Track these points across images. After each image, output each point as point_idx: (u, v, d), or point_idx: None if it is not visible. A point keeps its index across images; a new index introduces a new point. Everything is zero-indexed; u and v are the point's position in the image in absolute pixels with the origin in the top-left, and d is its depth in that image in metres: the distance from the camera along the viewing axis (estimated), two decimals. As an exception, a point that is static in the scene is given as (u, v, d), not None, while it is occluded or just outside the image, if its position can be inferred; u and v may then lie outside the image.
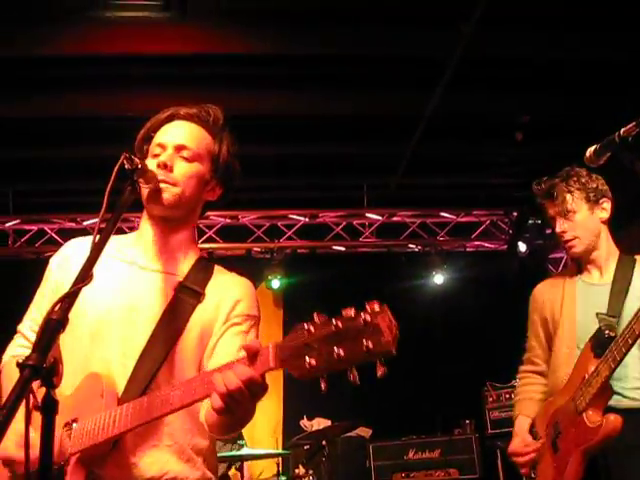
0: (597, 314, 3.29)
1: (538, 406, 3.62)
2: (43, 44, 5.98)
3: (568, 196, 3.46)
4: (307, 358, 1.65)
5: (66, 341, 2.31)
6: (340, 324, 1.63)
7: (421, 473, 7.28)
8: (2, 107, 6.76)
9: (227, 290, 2.36)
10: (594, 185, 3.48)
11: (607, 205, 3.50)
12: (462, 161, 8.40)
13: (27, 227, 8.67)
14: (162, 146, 2.37)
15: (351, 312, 1.64)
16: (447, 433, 7.41)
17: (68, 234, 8.56)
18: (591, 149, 2.58)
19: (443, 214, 9.10)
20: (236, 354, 2.17)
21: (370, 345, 1.59)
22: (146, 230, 2.43)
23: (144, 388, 2.14)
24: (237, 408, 1.86)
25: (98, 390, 2.14)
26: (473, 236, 9.23)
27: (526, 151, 7.75)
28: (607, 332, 3.17)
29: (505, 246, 9.21)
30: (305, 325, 1.68)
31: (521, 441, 3.54)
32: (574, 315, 3.47)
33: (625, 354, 3.01)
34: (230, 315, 2.31)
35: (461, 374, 8.02)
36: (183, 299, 2.29)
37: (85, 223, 8.57)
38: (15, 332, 2.51)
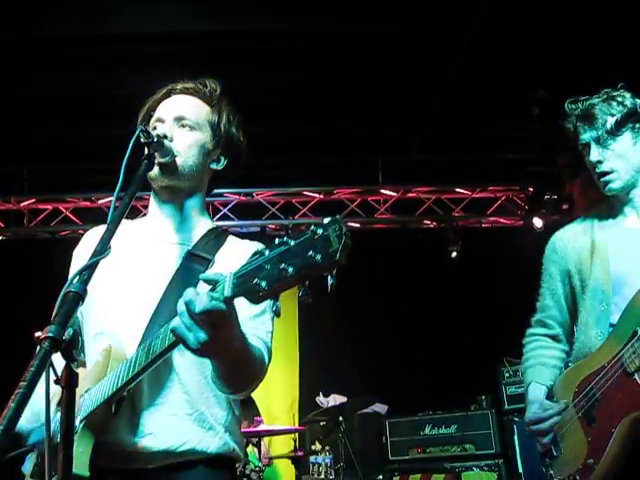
0: None
1: (552, 374, 3.08)
2: (58, 24, 5.97)
3: (611, 119, 2.85)
4: (257, 280, 1.60)
5: (87, 319, 2.35)
6: (292, 242, 1.57)
7: (437, 449, 7.27)
8: (17, 87, 6.77)
9: (237, 255, 2.34)
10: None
11: None
12: (478, 137, 8.34)
13: (42, 206, 8.69)
14: (161, 120, 2.40)
15: (305, 229, 1.58)
16: (463, 409, 7.40)
17: (83, 213, 8.59)
18: (612, 120, 2.56)
19: (458, 190, 9.06)
20: (248, 314, 2.18)
21: (317, 257, 1.52)
22: (155, 207, 2.47)
23: None
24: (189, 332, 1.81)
25: (107, 360, 2.18)
26: (489, 212, 9.18)
27: (543, 126, 7.69)
28: None
29: (521, 222, 9.17)
30: (260, 248, 1.65)
31: (540, 406, 2.96)
32: (608, 265, 2.89)
33: None
34: None
35: (477, 349, 8.01)
36: (190, 266, 2.29)
37: (100, 202, 8.57)
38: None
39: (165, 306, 2.21)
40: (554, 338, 3.18)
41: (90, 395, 2.14)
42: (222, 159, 2.49)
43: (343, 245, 1.50)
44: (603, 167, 2.90)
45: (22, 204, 8.60)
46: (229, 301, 1.75)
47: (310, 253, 1.53)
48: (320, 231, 1.54)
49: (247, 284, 1.64)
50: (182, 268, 2.29)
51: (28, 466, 2.33)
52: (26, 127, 7.52)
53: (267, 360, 2.23)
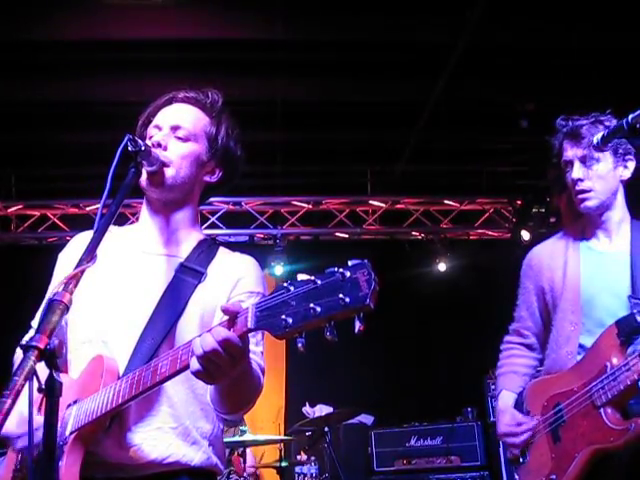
0: (629, 297, 2.88)
1: (523, 381, 3.28)
2: (45, 28, 5.96)
3: (602, 140, 2.92)
4: (284, 316, 1.62)
5: (72, 326, 2.33)
6: (319, 281, 1.60)
7: (423, 460, 7.27)
8: (5, 91, 6.75)
9: (228, 269, 2.35)
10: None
11: (631, 164, 3.06)
12: (466, 149, 8.38)
13: (29, 212, 8.65)
14: (158, 127, 2.38)
15: (332, 269, 1.61)
16: (449, 420, 7.41)
17: (71, 220, 8.56)
18: (598, 135, 2.56)
19: (447, 202, 9.09)
20: None
21: (347, 300, 1.55)
22: (146, 215, 2.45)
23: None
24: (215, 371, 1.84)
25: (99, 371, 2.16)
26: (477, 224, 9.21)
27: (531, 139, 7.73)
28: None
29: (509, 234, 9.20)
30: (285, 284, 1.66)
31: (511, 419, 3.14)
32: (578, 287, 3.04)
33: None
34: (232, 294, 2.29)
35: (463, 361, 8.02)
36: (183, 279, 2.28)
37: (88, 209, 8.54)
38: (28, 325, 2.49)
39: (158, 318, 2.21)
40: (529, 347, 3.35)
41: (83, 407, 2.12)
42: (217, 172, 2.47)
43: (373, 290, 1.55)
44: (583, 185, 3.03)
45: (9, 210, 8.56)
46: (250, 333, 1.78)
47: (339, 295, 1.56)
48: (348, 274, 1.57)
49: (272, 319, 1.66)
50: (175, 280, 2.28)
51: (1, 470, 2.31)
52: (14, 132, 7.49)
53: (262, 383, 2.25)
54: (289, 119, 7.39)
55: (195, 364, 1.84)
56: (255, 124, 6.77)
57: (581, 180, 3.03)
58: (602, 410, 2.77)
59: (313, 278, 1.62)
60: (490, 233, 9.43)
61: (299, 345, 1.64)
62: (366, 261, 1.59)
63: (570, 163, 3.09)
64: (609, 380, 2.76)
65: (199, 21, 6.03)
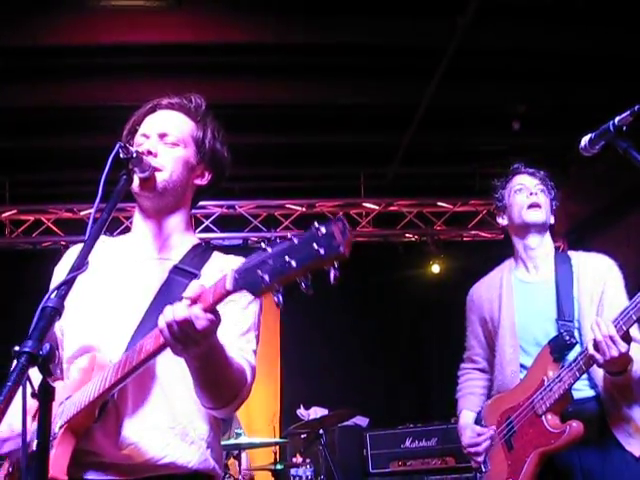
0: (557, 320, 3.32)
1: (480, 401, 3.72)
2: (39, 33, 5.96)
3: (549, 184, 3.58)
4: (261, 274, 1.65)
5: (68, 331, 2.34)
6: (295, 239, 1.63)
7: (418, 461, 7.27)
8: (-1, 97, 6.76)
9: (223, 270, 2.36)
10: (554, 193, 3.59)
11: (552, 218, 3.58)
12: (459, 150, 8.41)
13: (24, 217, 8.62)
14: (145, 136, 2.40)
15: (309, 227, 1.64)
16: (443, 422, 7.41)
17: (65, 224, 8.55)
18: (586, 138, 2.60)
19: (440, 204, 9.08)
20: (233, 332, 2.22)
21: (321, 250, 1.57)
22: (139, 222, 2.46)
23: None
24: (185, 342, 1.87)
25: (91, 366, 2.18)
26: (470, 226, 9.21)
27: (523, 141, 7.76)
28: (568, 338, 3.21)
29: (502, 236, 9.17)
30: (263, 245, 1.69)
31: (472, 432, 3.56)
32: (513, 315, 3.50)
33: (592, 365, 3.05)
34: None
35: (457, 363, 8.03)
36: (177, 280, 2.29)
37: (82, 213, 8.52)
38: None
39: (151, 318, 2.20)
40: (482, 370, 3.80)
41: (72, 401, 2.13)
42: (206, 174, 2.49)
43: (347, 239, 1.58)
44: (537, 199, 3.48)
45: (3, 214, 8.52)
46: (229, 295, 1.80)
47: (314, 247, 1.59)
48: (324, 229, 1.60)
49: (250, 278, 1.69)
50: (168, 281, 2.29)
51: None
52: (8, 137, 7.49)
53: (250, 378, 2.23)
54: (282, 122, 7.40)
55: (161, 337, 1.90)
56: (248, 127, 6.81)
57: (535, 194, 3.49)
58: (543, 417, 3.20)
59: (289, 237, 1.65)
60: (483, 234, 9.43)
61: (275, 299, 1.67)
62: (341, 216, 1.63)
63: (525, 187, 3.54)
64: (546, 391, 3.20)
65: (194, 25, 6.04)
